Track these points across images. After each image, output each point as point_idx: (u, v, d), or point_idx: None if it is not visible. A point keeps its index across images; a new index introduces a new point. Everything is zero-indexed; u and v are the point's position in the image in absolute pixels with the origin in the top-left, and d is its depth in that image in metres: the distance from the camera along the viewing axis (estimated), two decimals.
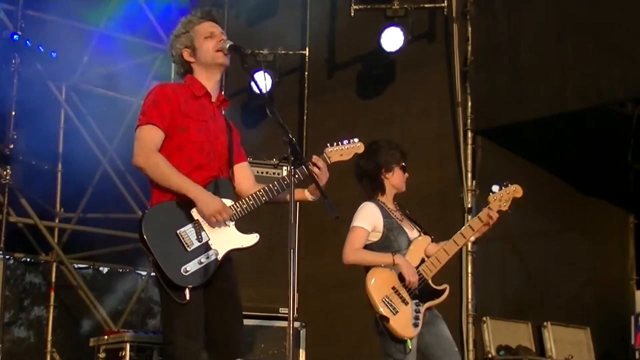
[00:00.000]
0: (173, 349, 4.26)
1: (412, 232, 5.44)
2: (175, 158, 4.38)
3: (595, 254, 9.34)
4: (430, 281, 5.30)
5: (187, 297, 4.22)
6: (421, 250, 5.36)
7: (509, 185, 5.49)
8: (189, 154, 4.41)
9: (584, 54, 7.60)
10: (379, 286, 5.18)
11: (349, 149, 4.75)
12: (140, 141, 4.37)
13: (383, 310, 5.12)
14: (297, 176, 4.38)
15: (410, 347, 5.12)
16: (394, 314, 5.13)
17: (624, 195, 9.46)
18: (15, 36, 8.61)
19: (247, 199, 4.46)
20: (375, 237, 5.32)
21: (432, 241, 5.43)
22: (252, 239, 4.46)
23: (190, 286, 4.24)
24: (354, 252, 5.28)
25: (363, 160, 5.39)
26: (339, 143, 4.74)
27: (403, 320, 5.15)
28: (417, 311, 5.21)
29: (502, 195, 5.45)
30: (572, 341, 8.63)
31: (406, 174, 5.50)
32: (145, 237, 4.24)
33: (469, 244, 8.01)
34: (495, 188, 5.49)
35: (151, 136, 4.37)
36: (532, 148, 8.55)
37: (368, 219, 5.32)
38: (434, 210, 7.83)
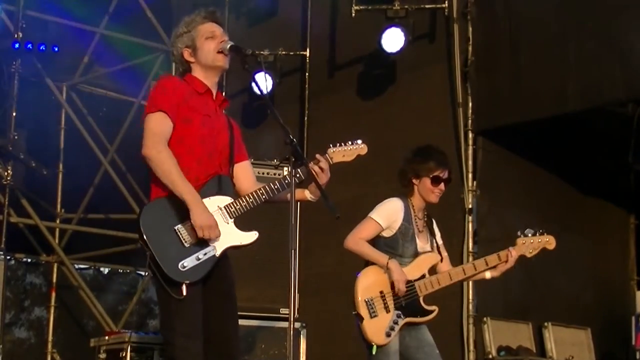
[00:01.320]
0: (173, 349, 4.25)
1: (425, 246, 5.41)
2: (177, 149, 4.36)
3: (595, 255, 9.33)
4: (421, 298, 5.26)
5: (184, 292, 4.20)
6: (424, 266, 5.33)
7: (544, 234, 5.41)
8: (190, 146, 4.40)
9: (585, 55, 7.60)
10: (367, 286, 5.18)
11: (352, 150, 4.69)
12: (150, 131, 4.33)
13: (361, 310, 5.13)
14: (298, 176, 4.38)
15: (374, 352, 5.11)
16: (371, 317, 5.13)
17: (624, 195, 9.47)
18: (16, 44, 8.61)
19: (246, 196, 4.45)
20: (387, 233, 5.30)
21: (442, 260, 5.41)
22: (250, 236, 4.44)
23: (187, 282, 4.22)
24: (357, 240, 5.27)
25: (408, 157, 5.41)
26: (342, 144, 4.68)
27: (377, 326, 5.14)
28: (396, 322, 5.18)
29: (533, 242, 5.39)
30: (572, 342, 8.63)
31: (440, 188, 5.38)
32: (143, 231, 4.23)
33: (470, 245, 8.03)
34: (528, 232, 5.39)
35: (162, 125, 4.34)
36: (533, 149, 8.54)
37: (387, 216, 5.31)
38: (435, 210, 7.78)
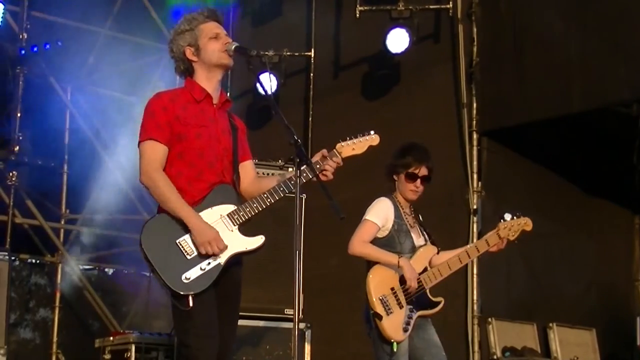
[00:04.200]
0: (189, 350, 4.25)
1: (419, 239, 5.44)
2: (177, 166, 4.39)
3: (600, 255, 9.33)
4: (428, 291, 5.31)
5: (191, 303, 4.21)
6: (426, 259, 5.37)
7: (521, 216, 5.49)
8: (190, 161, 4.40)
9: (589, 56, 7.60)
10: (378, 284, 5.20)
11: (362, 141, 4.63)
12: (144, 159, 4.37)
13: (377, 308, 5.14)
14: (305, 174, 4.36)
15: (395, 349, 5.13)
16: (388, 315, 5.15)
17: (629, 196, 9.45)
18: (22, 51, 8.64)
19: (250, 202, 4.44)
20: (381, 233, 5.33)
21: (438, 252, 5.44)
22: (256, 241, 4.43)
23: (192, 293, 4.22)
24: (361, 244, 5.28)
25: (392, 154, 5.43)
26: (352, 137, 4.61)
27: (395, 323, 5.17)
28: (410, 317, 5.22)
29: (513, 225, 5.45)
30: (577, 342, 8.63)
31: (416, 184, 5.39)
32: (144, 249, 4.25)
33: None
34: (507, 216, 5.50)
35: (154, 153, 4.37)
36: (538, 149, 8.54)
37: (381, 214, 5.32)
38: (440, 211, 7.82)
